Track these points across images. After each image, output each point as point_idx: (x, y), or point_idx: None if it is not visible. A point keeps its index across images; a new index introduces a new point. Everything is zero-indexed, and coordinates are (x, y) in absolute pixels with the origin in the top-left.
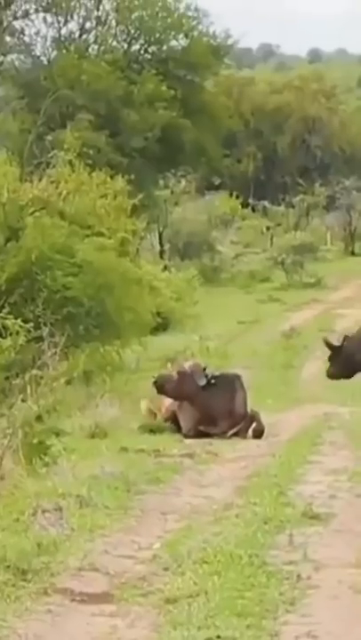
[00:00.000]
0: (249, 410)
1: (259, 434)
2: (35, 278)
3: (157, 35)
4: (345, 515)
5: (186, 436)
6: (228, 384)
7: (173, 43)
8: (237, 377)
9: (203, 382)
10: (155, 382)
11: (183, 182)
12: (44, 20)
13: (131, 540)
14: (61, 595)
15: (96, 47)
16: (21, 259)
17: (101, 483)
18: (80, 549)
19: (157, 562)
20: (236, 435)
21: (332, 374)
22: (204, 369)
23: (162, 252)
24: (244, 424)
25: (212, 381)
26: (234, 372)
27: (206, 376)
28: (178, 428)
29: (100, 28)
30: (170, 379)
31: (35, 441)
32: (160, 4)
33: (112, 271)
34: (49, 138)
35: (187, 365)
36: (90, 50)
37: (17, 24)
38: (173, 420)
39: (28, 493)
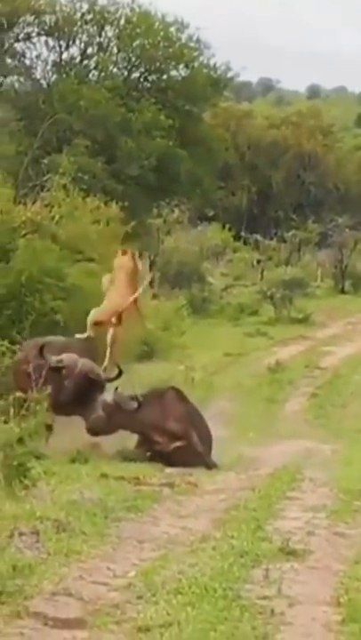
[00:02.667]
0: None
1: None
2: (23, 300)
3: (158, 64)
4: (322, 552)
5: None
6: (157, 400)
7: (173, 73)
8: (170, 391)
9: (133, 407)
10: (88, 430)
11: (177, 212)
12: (46, 43)
13: (106, 566)
14: (34, 619)
15: (96, 73)
16: (10, 280)
17: (80, 508)
18: (55, 574)
19: (132, 590)
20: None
21: None
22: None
23: (152, 281)
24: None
25: (140, 400)
26: (171, 386)
27: (136, 399)
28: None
29: (101, 54)
30: (99, 419)
31: (15, 463)
32: (162, 33)
33: (101, 297)
34: (45, 161)
35: (108, 398)
36: (90, 75)
37: (18, 46)
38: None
39: (6, 515)
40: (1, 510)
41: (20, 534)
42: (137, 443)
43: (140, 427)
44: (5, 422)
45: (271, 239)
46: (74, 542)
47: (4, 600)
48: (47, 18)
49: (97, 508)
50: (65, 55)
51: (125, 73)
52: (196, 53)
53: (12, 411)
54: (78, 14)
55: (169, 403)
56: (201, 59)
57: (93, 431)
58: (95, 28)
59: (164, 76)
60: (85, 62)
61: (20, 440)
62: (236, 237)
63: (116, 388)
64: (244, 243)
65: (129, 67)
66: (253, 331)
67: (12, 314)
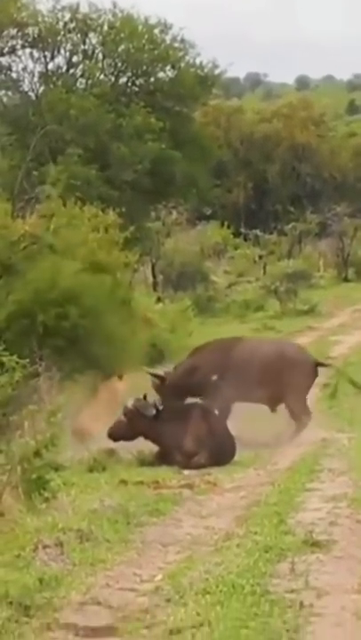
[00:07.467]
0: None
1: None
2: (34, 317)
3: (144, 67)
4: (346, 541)
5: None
6: (181, 415)
7: (161, 74)
8: (195, 408)
9: (151, 413)
10: (109, 435)
11: (174, 213)
12: (31, 55)
13: (132, 572)
14: (65, 630)
15: (84, 81)
16: (22, 296)
17: (101, 516)
18: (82, 584)
19: (160, 594)
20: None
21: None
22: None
23: (155, 284)
24: (206, 458)
25: (160, 409)
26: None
27: (156, 407)
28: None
29: (86, 61)
30: (120, 424)
31: (33, 476)
32: (146, 36)
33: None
34: (35, 173)
35: (129, 403)
36: (77, 84)
37: (4, 60)
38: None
39: (29, 529)
40: (23, 524)
41: (45, 547)
42: (156, 454)
43: (159, 439)
44: (21, 436)
45: (271, 233)
46: (98, 551)
47: (34, 613)
48: (30, 30)
49: (118, 515)
50: (51, 65)
51: (113, 79)
52: (181, 53)
53: (26, 424)
54: (61, 24)
55: (191, 421)
56: (187, 58)
57: (114, 437)
58: (79, 36)
59: (152, 79)
60: (72, 71)
61: (37, 453)
62: (236, 234)
63: (145, 396)
64: (245, 239)
65: (116, 72)
66: (260, 326)
67: (23, 329)
